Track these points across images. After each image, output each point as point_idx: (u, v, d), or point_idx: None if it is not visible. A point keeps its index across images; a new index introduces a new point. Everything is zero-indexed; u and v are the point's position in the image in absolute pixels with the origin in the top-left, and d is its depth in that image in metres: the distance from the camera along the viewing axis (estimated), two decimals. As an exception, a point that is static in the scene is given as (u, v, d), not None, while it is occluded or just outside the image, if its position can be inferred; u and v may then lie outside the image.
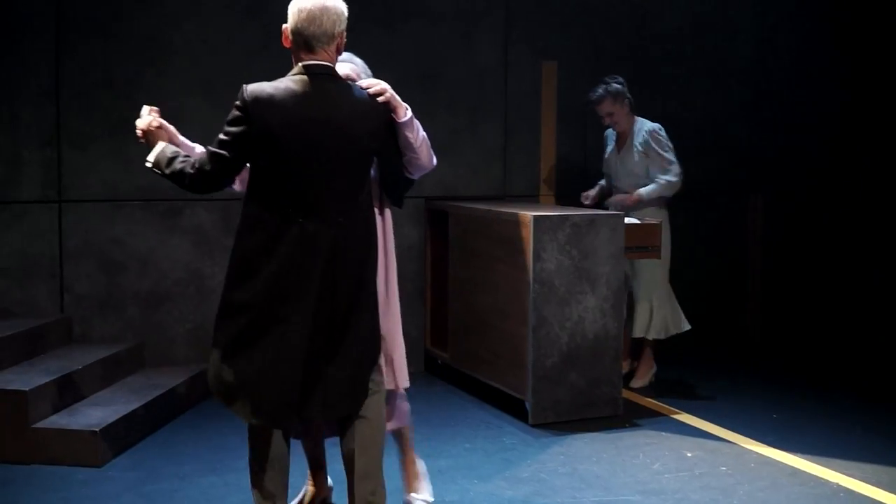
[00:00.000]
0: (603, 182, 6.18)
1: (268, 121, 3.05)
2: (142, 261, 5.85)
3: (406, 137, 3.31)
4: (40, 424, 4.63)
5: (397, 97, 3.30)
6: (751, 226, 7.43)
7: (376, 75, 3.59)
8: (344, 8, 3.21)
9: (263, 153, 3.09)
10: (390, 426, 3.78)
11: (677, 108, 7.07)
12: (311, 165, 3.10)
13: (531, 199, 6.66)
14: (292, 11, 3.15)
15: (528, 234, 5.11)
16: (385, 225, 3.69)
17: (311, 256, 3.12)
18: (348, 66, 3.63)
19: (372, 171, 3.43)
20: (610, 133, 6.13)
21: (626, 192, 5.95)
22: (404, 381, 3.74)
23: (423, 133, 3.39)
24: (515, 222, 5.23)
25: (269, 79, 3.15)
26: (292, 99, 3.09)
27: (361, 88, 3.26)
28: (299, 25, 3.13)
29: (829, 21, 7.52)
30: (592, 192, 6.08)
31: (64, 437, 4.56)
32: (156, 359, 5.88)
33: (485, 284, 5.56)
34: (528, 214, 5.13)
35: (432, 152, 3.46)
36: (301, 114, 3.08)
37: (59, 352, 5.43)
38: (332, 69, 3.19)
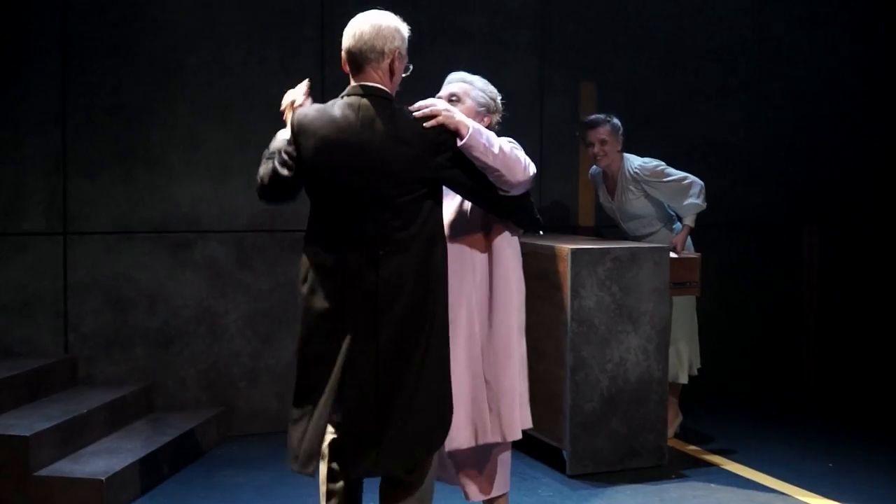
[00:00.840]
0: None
1: (305, 144, 3.14)
2: (151, 297, 5.84)
3: (476, 158, 3.24)
4: (43, 472, 4.59)
5: (457, 116, 3.21)
6: (805, 260, 7.35)
7: (405, 98, 3.57)
8: (399, 26, 3.25)
9: (306, 178, 3.18)
10: (490, 493, 3.69)
11: (724, 133, 7.04)
12: (345, 193, 3.11)
13: (569, 230, 6.62)
14: (345, 31, 3.24)
15: (566, 268, 5.07)
16: (496, 256, 3.63)
17: (352, 294, 3.11)
18: (457, 84, 3.69)
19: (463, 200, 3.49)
20: (597, 175, 6.00)
21: (637, 237, 5.84)
22: (512, 433, 3.60)
23: (499, 147, 3.27)
24: (552, 256, 5.19)
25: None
26: (329, 122, 3.13)
27: (410, 111, 3.23)
28: (347, 43, 3.21)
29: (889, 46, 7.47)
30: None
31: (68, 486, 4.52)
32: (165, 402, 5.86)
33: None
34: (566, 247, 5.09)
35: (521, 162, 3.32)
36: (334, 138, 3.11)
37: (63, 394, 5.40)
38: (382, 90, 3.19)
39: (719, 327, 6.88)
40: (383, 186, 3.10)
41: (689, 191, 5.67)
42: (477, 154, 3.22)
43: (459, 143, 3.20)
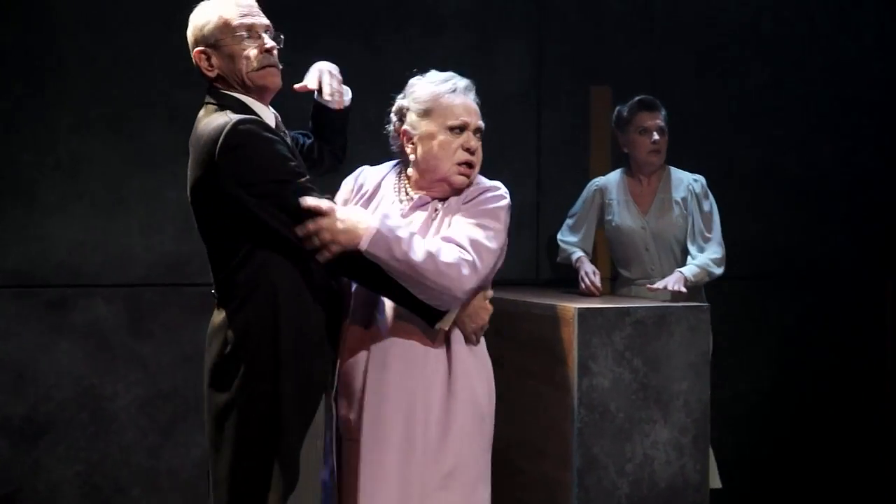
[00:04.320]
0: (583, 256, 6.05)
1: None
2: (14, 374, 5.82)
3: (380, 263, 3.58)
4: None
5: (339, 228, 3.48)
6: (888, 315, 7.40)
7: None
8: (196, 13, 3.74)
9: None
10: None
11: (779, 156, 7.09)
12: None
13: (576, 283, 6.51)
14: None
15: (571, 335, 4.99)
16: (456, 348, 3.82)
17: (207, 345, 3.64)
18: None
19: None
20: (610, 186, 6.03)
21: (653, 276, 5.87)
22: None
23: (421, 252, 3.59)
24: (551, 318, 5.13)
25: (194, 113, 3.68)
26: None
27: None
28: None
29: None
30: (594, 277, 5.88)
31: None
32: (34, 514, 5.86)
33: (510, 409, 5.40)
34: (571, 307, 5.02)
35: (450, 262, 3.64)
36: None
37: None
38: (215, 92, 3.69)
39: (781, 402, 6.98)
40: (193, 205, 3.59)
41: (716, 241, 5.83)
42: (383, 266, 3.55)
43: (365, 245, 3.51)
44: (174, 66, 5.89)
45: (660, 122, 5.87)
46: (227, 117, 3.49)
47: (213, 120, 3.52)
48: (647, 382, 5.06)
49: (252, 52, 3.63)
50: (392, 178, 4.05)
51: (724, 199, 5.99)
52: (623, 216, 6.00)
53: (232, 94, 3.65)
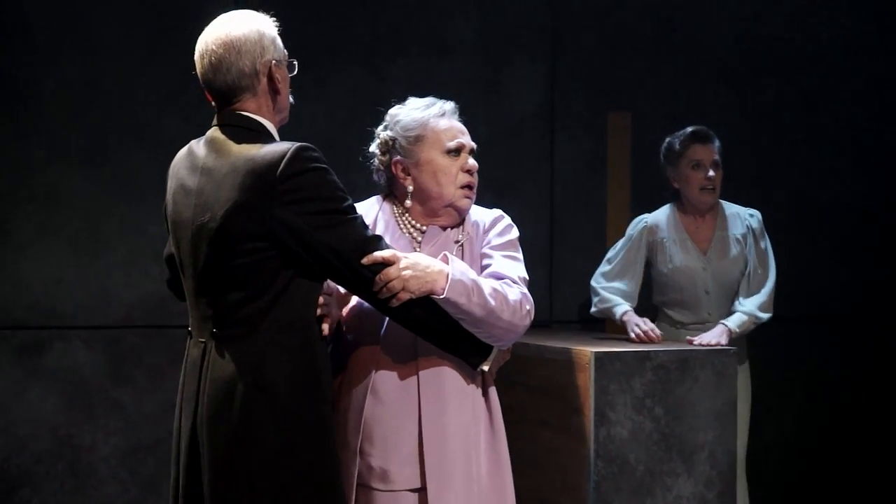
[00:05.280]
0: (630, 311, 5.83)
1: (167, 194, 3.62)
2: None
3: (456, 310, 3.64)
4: None
5: (422, 273, 3.54)
6: None
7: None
8: (260, 26, 3.57)
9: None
10: None
11: (815, 194, 7.07)
12: (182, 253, 3.52)
13: (593, 325, 6.57)
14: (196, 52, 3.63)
15: (588, 380, 4.95)
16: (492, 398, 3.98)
17: (190, 389, 3.49)
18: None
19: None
20: (659, 221, 5.89)
21: (710, 320, 5.79)
22: None
23: (490, 292, 3.68)
24: (567, 362, 5.09)
25: (182, 142, 3.68)
26: (183, 161, 3.61)
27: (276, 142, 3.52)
28: (199, 71, 3.60)
29: None
30: (649, 326, 5.65)
31: None
32: (6, 577, 5.84)
33: (520, 460, 5.35)
34: (587, 350, 4.98)
35: (515, 301, 3.78)
36: (179, 182, 3.56)
37: None
38: (250, 119, 3.54)
39: (817, 455, 6.95)
40: (213, 243, 3.42)
41: (770, 283, 5.76)
42: (456, 311, 3.63)
43: (441, 293, 3.58)
44: (158, 92, 5.96)
45: (714, 155, 5.75)
46: (286, 144, 3.50)
47: (258, 146, 3.50)
48: (670, 432, 5.01)
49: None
50: (386, 212, 4.06)
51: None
52: (681, 256, 5.87)
53: (260, 119, 3.63)
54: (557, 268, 6.61)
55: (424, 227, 4.03)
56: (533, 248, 6.44)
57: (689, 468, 5.05)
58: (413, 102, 4.08)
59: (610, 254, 5.93)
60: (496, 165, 6.46)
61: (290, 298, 3.46)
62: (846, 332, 7.08)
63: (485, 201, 6.59)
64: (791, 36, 7.06)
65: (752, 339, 5.92)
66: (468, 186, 4.02)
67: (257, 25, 3.55)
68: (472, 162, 4.02)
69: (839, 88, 7.14)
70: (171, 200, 3.60)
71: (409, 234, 4.02)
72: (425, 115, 3.99)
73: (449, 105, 4.09)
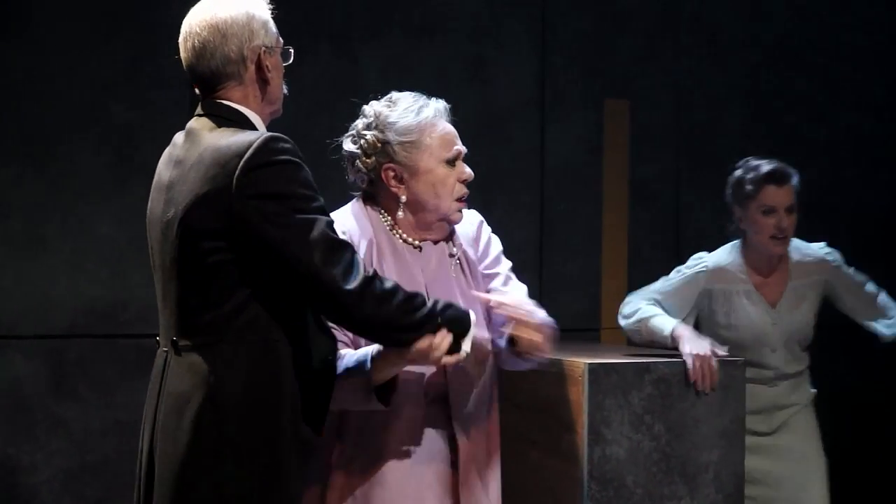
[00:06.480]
0: (681, 326, 5.52)
1: None
2: None
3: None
4: None
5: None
6: None
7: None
8: (250, 7, 3.56)
9: None
10: None
11: (829, 198, 7.07)
12: (153, 252, 3.54)
13: (587, 334, 6.62)
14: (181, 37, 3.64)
15: (581, 395, 4.93)
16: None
17: (150, 403, 3.52)
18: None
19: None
20: (722, 265, 5.58)
21: (783, 377, 5.62)
22: None
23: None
24: (558, 375, 5.09)
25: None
26: (165, 154, 3.63)
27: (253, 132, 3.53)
28: (183, 56, 3.59)
29: None
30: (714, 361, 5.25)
31: None
32: None
33: (506, 483, 5.33)
34: (580, 362, 4.97)
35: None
36: (158, 176, 3.58)
37: None
38: (233, 110, 3.54)
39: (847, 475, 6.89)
40: (176, 241, 3.43)
41: (881, 296, 5.64)
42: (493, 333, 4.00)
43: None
44: (103, 80, 5.97)
45: (791, 199, 5.41)
46: (256, 133, 3.47)
47: (229, 134, 3.47)
48: (671, 452, 4.98)
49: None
50: (375, 223, 4.01)
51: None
52: (746, 311, 5.59)
53: (243, 110, 3.60)
54: (548, 271, 6.64)
55: (418, 242, 4.00)
56: (521, 253, 6.43)
57: (692, 491, 5.01)
58: (403, 101, 4.02)
59: (659, 286, 5.64)
60: (481, 160, 6.46)
61: (255, 308, 3.42)
62: (862, 340, 7.12)
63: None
64: (806, 25, 7.13)
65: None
66: (462, 199, 4.02)
67: (246, 7, 3.53)
68: (469, 171, 4.00)
69: (846, 72, 7.22)
70: (150, 197, 3.59)
71: (402, 247, 4.00)
72: (421, 117, 3.93)
73: (441, 104, 4.04)
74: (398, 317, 3.47)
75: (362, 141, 3.97)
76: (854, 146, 7.21)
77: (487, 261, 4.11)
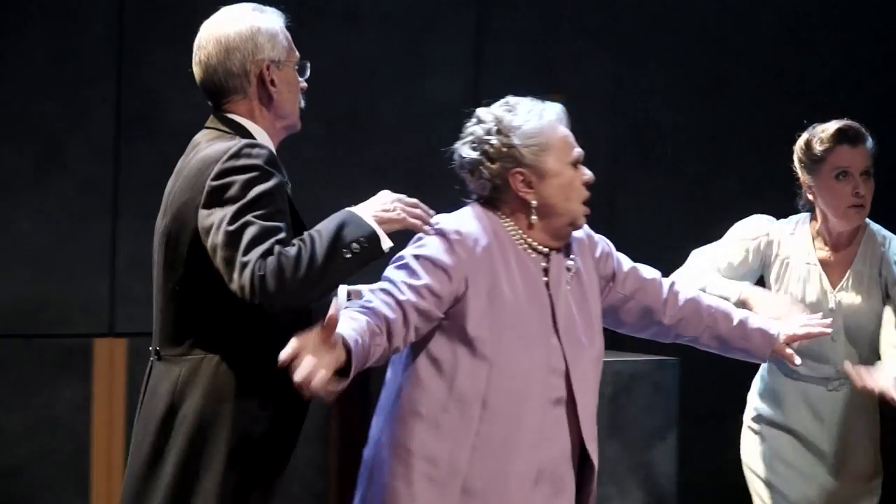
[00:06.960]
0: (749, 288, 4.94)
1: None
2: None
3: None
4: None
5: None
6: None
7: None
8: (257, 21, 3.60)
9: None
10: None
11: (772, 196, 7.05)
12: (153, 266, 3.57)
13: None
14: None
15: None
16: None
17: (143, 408, 3.53)
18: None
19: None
20: (785, 235, 5.02)
21: (826, 378, 4.95)
22: None
23: None
24: None
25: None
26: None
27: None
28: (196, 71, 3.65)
29: None
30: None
31: None
32: None
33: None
34: None
35: None
36: (168, 186, 3.60)
37: None
38: (237, 123, 3.56)
39: None
40: (165, 247, 3.48)
41: None
42: None
43: None
44: (25, 72, 5.95)
45: (867, 161, 4.83)
46: (236, 140, 3.45)
47: (218, 143, 3.48)
48: (601, 452, 4.95)
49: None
50: (499, 231, 3.97)
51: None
52: (803, 288, 4.98)
53: (245, 122, 3.60)
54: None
55: (547, 250, 3.97)
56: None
57: (623, 493, 5.10)
58: (523, 105, 3.98)
59: (715, 249, 5.03)
60: (411, 155, 6.56)
61: (222, 320, 3.43)
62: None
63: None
64: (756, 13, 7.19)
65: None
66: (587, 202, 3.98)
67: (253, 21, 3.55)
68: (590, 174, 3.95)
69: (788, 64, 7.28)
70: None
71: (527, 257, 3.98)
72: (545, 121, 3.92)
73: (559, 107, 4.01)
74: (304, 282, 3.29)
75: (486, 146, 3.94)
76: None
77: (617, 264, 4.15)
